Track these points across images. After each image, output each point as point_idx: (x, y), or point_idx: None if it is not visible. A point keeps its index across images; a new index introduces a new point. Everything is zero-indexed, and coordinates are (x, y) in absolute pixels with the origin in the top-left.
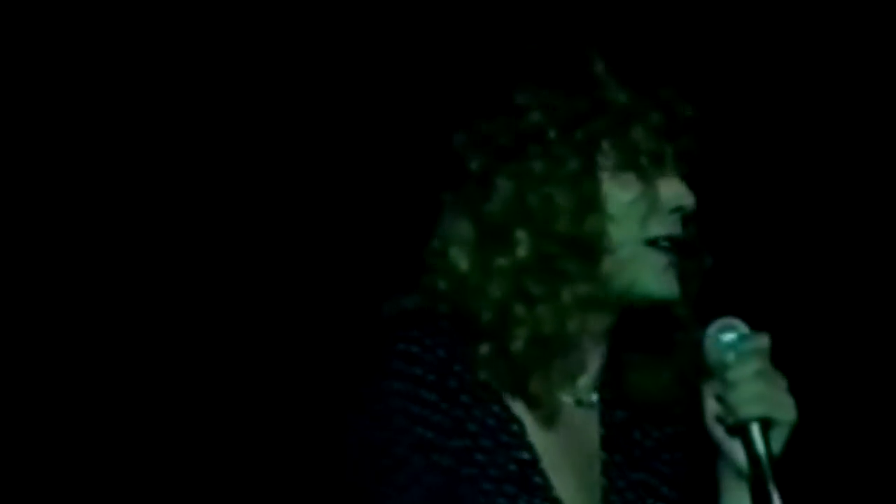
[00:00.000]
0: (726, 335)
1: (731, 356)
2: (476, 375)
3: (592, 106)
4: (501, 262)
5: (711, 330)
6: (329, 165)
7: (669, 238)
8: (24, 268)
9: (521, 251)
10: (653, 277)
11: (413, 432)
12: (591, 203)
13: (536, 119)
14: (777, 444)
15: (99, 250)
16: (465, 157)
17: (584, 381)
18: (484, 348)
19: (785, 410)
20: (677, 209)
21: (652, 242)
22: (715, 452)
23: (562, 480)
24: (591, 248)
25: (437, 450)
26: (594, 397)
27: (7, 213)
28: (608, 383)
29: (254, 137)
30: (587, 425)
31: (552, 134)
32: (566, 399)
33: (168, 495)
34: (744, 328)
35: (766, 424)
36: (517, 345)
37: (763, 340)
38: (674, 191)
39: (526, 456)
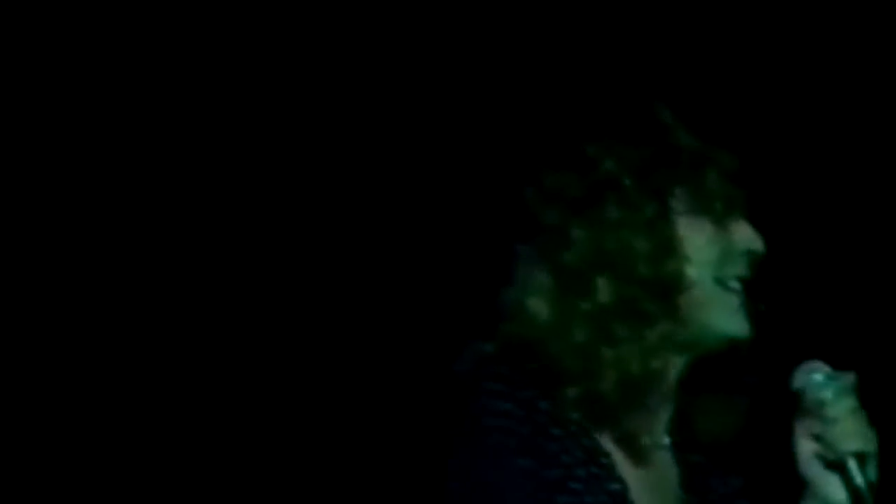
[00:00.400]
0: (818, 375)
1: (828, 394)
2: (564, 413)
3: (664, 152)
4: (584, 307)
5: (803, 371)
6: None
7: (740, 279)
8: (24, 268)
9: (603, 296)
10: (728, 317)
11: (517, 464)
12: (668, 246)
13: (610, 168)
14: (873, 475)
15: (98, 250)
16: (538, 209)
17: (658, 424)
18: (572, 391)
19: (875, 443)
20: (748, 253)
21: (724, 284)
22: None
23: None
24: (670, 290)
25: (534, 479)
26: (666, 440)
27: (6, 213)
28: (677, 427)
29: (239, 131)
30: (666, 466)
31: (626, 181)
32: (645, 440)
33: (168, 495)
34: (829, 368)
35: (862, 457)
36: (606, 385)
37: (852, 378)
38: (745, 234)
39: (617, 487)
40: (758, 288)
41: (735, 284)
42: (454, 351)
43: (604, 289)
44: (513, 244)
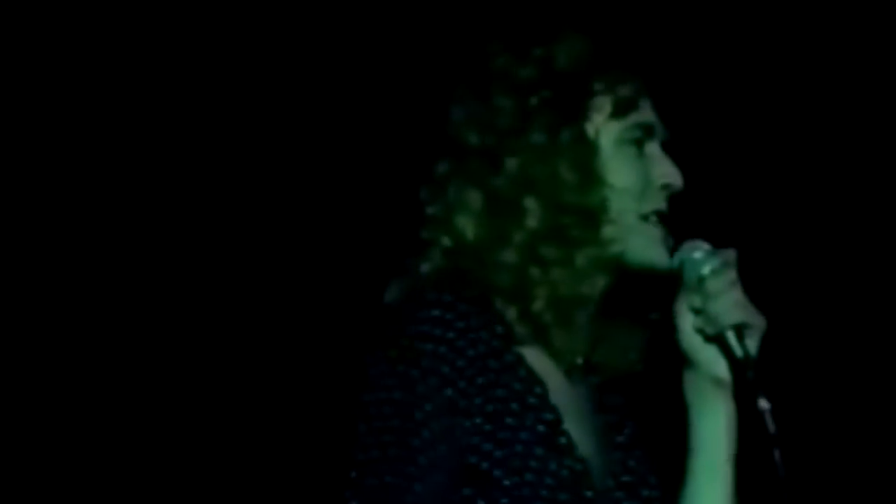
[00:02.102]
0: (697, 252)
1: (707, 269)
2: (501, 341)
3: (590, 80)
4: (513, 230)
5: (683, 249)
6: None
7: (658, 213)
8: (21, 268)
9: (532, 220)
10: (651, 248)
11: (442, 394)
12: (593, 175)
13: (536, 97)
14: (753, 348)
15: (93, 250)
16: (465, 132)
17: (583, 344)
18: (511, 312)
19: (758, 317)
20: (666, 186)
21: (645, 217)
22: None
23: (581, 440)
24: (595, 217)
25: (465, 413)
26: (579, 360)
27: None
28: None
29: (239, 131)
30: (582, 387)
31: (552, 110)
32: (575, 360)
33: (168, 495)
34: (709, 246)
35: (741, 330)
36: (538, 305)
37: (732, 254)
38: (665, 169)
39: (550, 417)
40: (674, 221)
41: (654, 218)
42: (384, 272)
43: (532, 213)
44: (438, 162)
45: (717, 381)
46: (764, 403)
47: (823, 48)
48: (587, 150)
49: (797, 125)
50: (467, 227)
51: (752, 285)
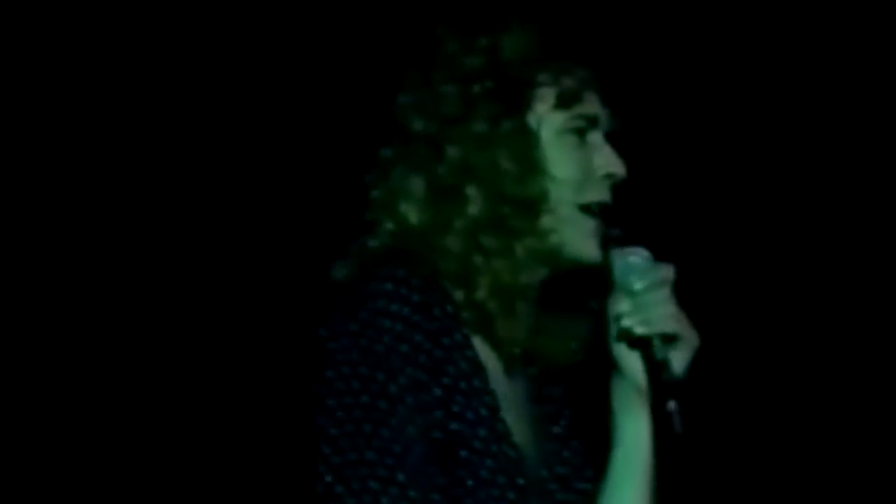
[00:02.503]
0: (635, 258)
1: (640, 284)
2: (451, 320)
3: (535, 71)
4: (456, 217)
5: (620, 253)
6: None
7: (599, 204)
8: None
9: (473, 209)
10: (582, 241)
11: (405, 372)
12: (533, 165)
13: (480, 85)
14: (680, 365)
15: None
16: (409, 118)
17: (523, 334)
18: (458, 295)
19: (691, 333)
20: (609, 176)
21: (585, 208)
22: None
23: (516, 429)
24: (535, 208)
25: (426, 389)
26: (517, 351)
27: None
28: (525, 343)
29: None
30: (519, 377)
31: (495, 100)
32: (515, 350)
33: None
34: (648, 256)
35: (670, 341)
36: (481, 293)
37: (669, 270)
38: (607, 158)
39: (490, 401)
40: (615, 213)
41: (595, 209)
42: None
43: (474, 201)
44: (384, 146)
45: (638, 390)
46: (672, 405)
47: (790, 47)
48: (528, 141)
49: (760, 123)
50: (410, 212)
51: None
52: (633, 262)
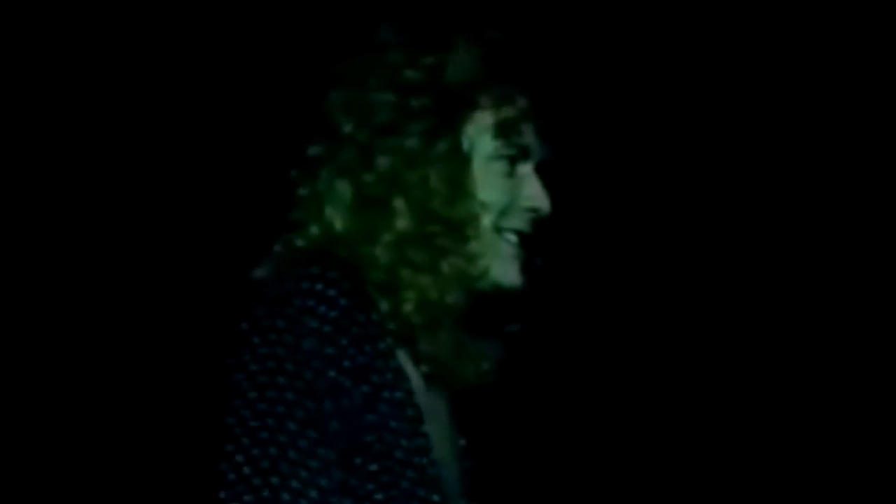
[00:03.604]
0: None
1: None
2: (376, 327)
3: (475, 93)
4: (384, 228)
5: None
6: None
7: (519, 232)
8: None
9: (402, 223)
10: (502, 266)
11: (327, 375)
12: (463, 189)
13: (418, 100)
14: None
15: None
16: (338, 117)
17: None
18: (384, 305)
19: None
20: (533, 210)
21: (504, 233)
22: None
23: (437, 444)
24: (462, 230)
25: (348, 395)
26: (439, 368)
27: None
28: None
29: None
30: (439, 395)
31: (432, 117)
32: (436, 365)
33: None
34: None
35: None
36: (407, 307)
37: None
38: (532, 191)
39: (412, 413)
40: (537, 243)
41: (512, 236)
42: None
43: (401, 215)
44: (311, 143)
45: None
46: None
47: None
48: (460, 163)
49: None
50: (336, 218)
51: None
52: None
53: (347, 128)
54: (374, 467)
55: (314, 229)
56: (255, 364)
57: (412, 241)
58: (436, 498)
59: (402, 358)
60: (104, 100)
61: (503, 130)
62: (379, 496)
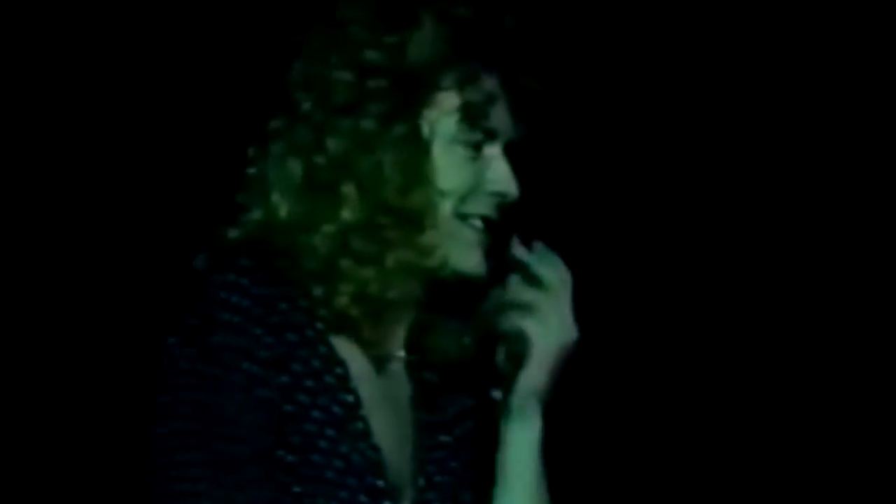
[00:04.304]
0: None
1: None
2: (303, 315)
3: (439, 73)
4: (329, 216)
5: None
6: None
7: (483, 217)
8: None
9: (348, 213)
10: (464, 254)
11: (241, 367)
12: (419, 174)
13: (376, 81)
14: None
15: None
16: (297, 93)
17: (395, 339)
18: (317, 290)
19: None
20: (498, 195)
21: (466, 219)
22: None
23: (382, 430)
24: (415, 220)
25: (264, 384)
26: (401, 353)
27: None
28: (413, 343)
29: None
30: (399, 381)
31: (390, 99)
32: (382, 353)
33: None
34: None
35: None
36: (342, 300)
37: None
38: (500, 174)
39: (350, 399)
40: (506, 230)
41: (476, 222)
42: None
43: (349, 203)
44: (272, 118)
45: (534, 389)
46: (498, 394)
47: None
48: (417, 150)
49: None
50: (282, 203)
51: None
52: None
53: (306, 105)
54: (291, 459)
55: (257, 214)
56: (168, 367)
57: (357, 231)
58: (379, 483)
59: (342, 343)
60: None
61: (467, 113)
62: (297, 489)
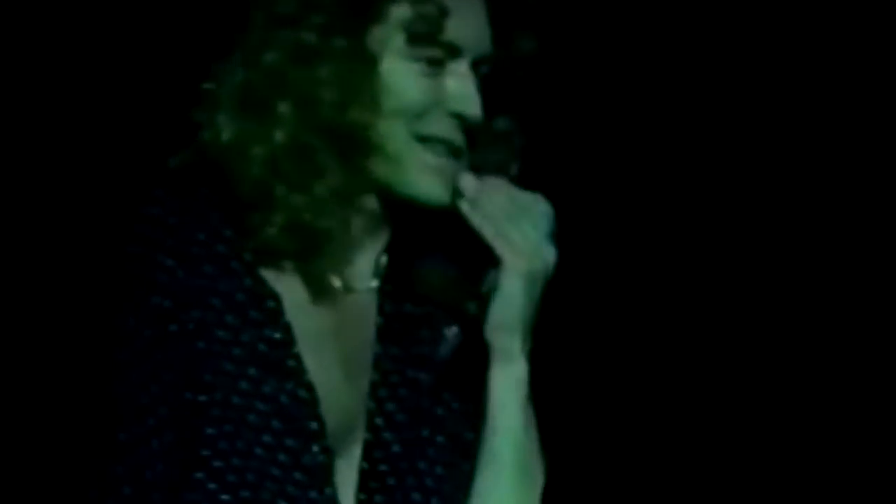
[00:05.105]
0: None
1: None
2: (227, 245)
3: None
4: (261, 136)
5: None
6: None
7: (444, 141)
8: None
9: (280, 134)
10: (418, 178)
11: (149, 302)
12: (359, 92)
13: None
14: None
15: None
16: (252, 6)
17: (357, 268)
18: (253, 219)
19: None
20: (456, 115)
21: (424, 139)
22: None
23: (323, 367)
24: (351, 142)
25: (175, 320)
26: (373, 283)
27: None
28: (395, 274)
29: None
30: (362, 313)
31: (335, 9)
32: (335, 283)
33: None
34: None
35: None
36: (271, 231)
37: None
38: (460, 92)
39: (278, 336)
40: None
41: (437, 145)
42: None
43: (284, 123)
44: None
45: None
46: (454, 331)
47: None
48: (359, 64)
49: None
50: (225, 122)
51: None
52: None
53: (259, 15)
54: (203, 399)
55: (207, 134)
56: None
57: (288, 155)
58: (312, 425)
59: (279, 275)
60: None
61: (420, 29)
62: (211, 430)
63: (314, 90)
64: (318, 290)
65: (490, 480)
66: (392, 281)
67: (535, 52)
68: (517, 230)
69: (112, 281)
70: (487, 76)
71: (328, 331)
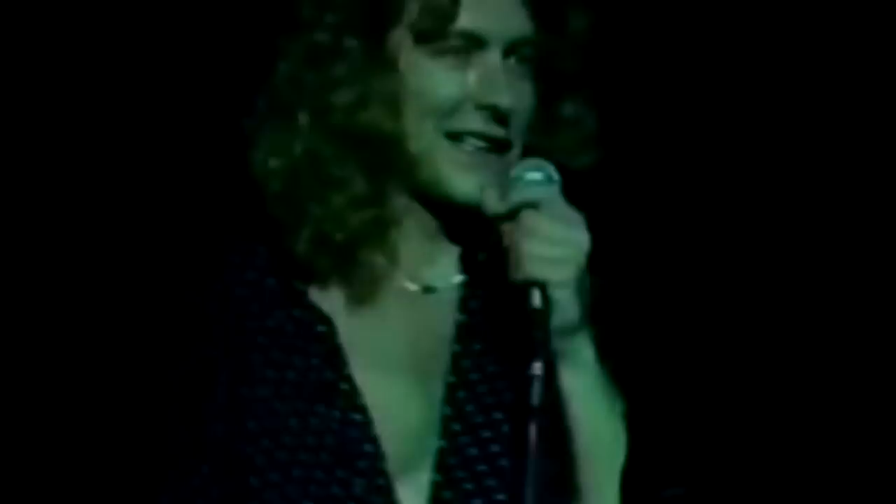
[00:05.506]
0: (534, 173)
1: (536, 193)
2: (279, 276)
3: None
4: (280, 151)
5: (520, 166)
6: None
7: (475, 134)
8: None
9: (298, 145)
10: (451, 176)
11: (196, 353)
12: (375, 91)
13: None
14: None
15: None
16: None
17: (435, 268)
18: (288, 239)
19: (568, 273)
20: (485, 107)
21: (453, 136)
22: None
23: (388, 381)
24: (370, 144)
25: (222, 368)
26: (455, 279)
27: None
28: (477, 269)
29: None
30: (438, 313)
31: (351, 10)
32: (411, 287)
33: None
34: (554, 171)
35: (542, 287)
36: (301, 248)
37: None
38: (485, 83)
39: (329, 361)
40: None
41: (470, 139)
42: None
43: (301, 134)
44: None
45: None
46: (537, 369)
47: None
48: (373, 63)
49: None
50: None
51: None
52: (532, 177)
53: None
54: (249, 450)
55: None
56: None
57: (305, 167)
58: (368, 448)
59: (326, 295)
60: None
61: (426, 19)
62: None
63: (328, 93)
64: (376, 300)
65: (592, 476)
66: (475, 276)
67: (586, 29)
68: (550, 245)
69: (159, 331)
70: (542, 59)
71: (397, 338)
